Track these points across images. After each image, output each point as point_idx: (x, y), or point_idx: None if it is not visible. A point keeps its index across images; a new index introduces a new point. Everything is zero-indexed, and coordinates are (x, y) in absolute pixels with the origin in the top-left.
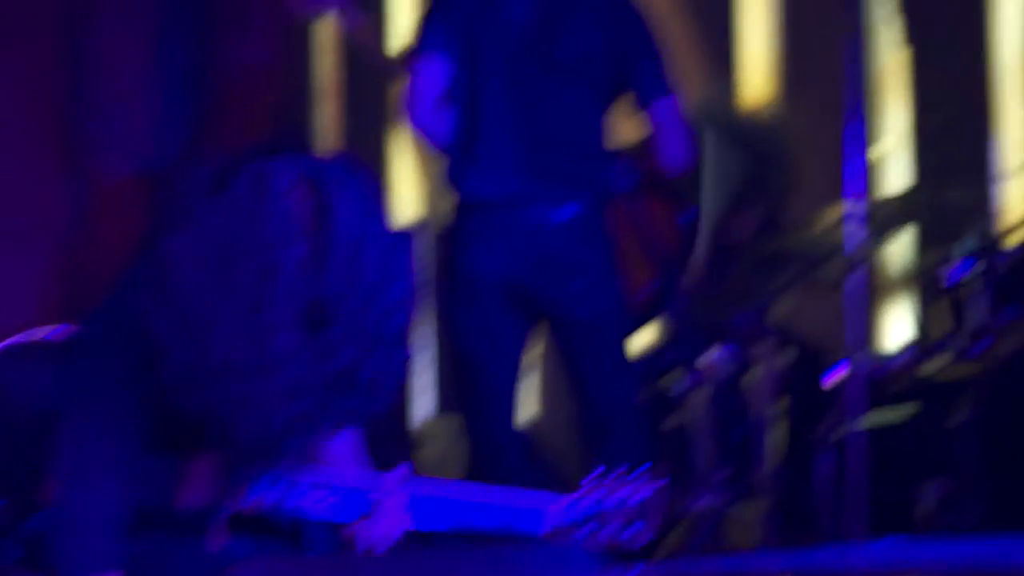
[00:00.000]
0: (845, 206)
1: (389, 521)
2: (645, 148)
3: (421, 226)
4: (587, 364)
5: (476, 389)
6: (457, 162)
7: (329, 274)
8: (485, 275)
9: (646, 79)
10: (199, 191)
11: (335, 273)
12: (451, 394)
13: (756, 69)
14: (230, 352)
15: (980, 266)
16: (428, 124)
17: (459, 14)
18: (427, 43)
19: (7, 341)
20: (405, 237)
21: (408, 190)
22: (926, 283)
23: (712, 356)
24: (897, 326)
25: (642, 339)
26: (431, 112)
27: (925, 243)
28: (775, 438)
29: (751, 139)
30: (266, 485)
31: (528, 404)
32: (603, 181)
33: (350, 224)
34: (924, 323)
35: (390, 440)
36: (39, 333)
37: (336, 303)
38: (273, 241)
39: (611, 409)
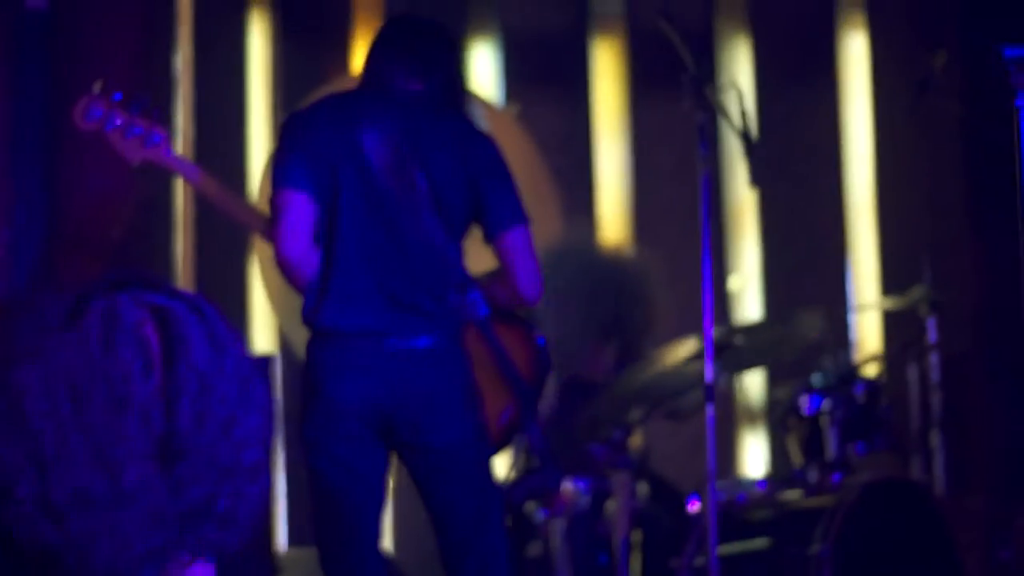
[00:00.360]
0: (700, 339)
1: None
2: (495, 277)
3: (275, 357)
4: (446, 492)
5: (336, 519)
6: (314, 294)
7: (180, 408)
8: (344, 402)
9: (497, 209)
10: (49, 323)
11: (186, 407)
12: (303, 526)
13: (612, 204)
14: (81, 484)
15: (833, 398)
16: (302, 259)
17: (316, 148)
18: (288, 178)
19: None
20: (259, 369)
21: (262, 321)
22: (780, 414)
23: (570, 485)
24: (753, 456)
25: (501, 466)
26: (306, 247)
27: (778, 375)
28: (634, 567)
29: (609, 276)
30: None
31: (386, 535)
32: (459, 311)
33: (200, 358)
34: (779, 454)
35: (254, 570)
36: None
37: (188, 436)
38: (123, 376)
39: (470, 537)
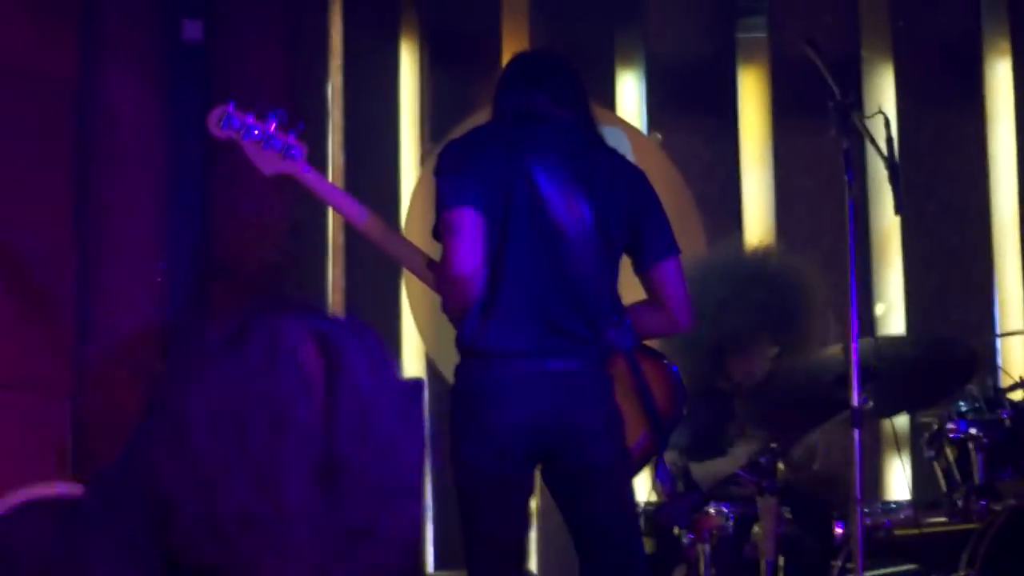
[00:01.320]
0: (847, 362)
1: None
2: (642, 307)
3: (423, 381)
4: (590, 512)
5: (487, 540)
6: (475, 315)
7: (341, 429)
8: (503, 423)
9: (653, 241)
10: (211, 347)
11: (347, 429)
12: (450, 550)
13: (757, 231)
14: (244, 505)
15: (980, 423)
16: (476, 276)
17: (486, 172)
18: (462, 197)
19: (15, 499)
20: (414, 392)
21: (411, 345)
22: (926, 439)
23: (715, 509)
24: (898, 481)
25: (645, 490)
26: (481, 264)
27: (925, 399)
28: None
29: (769, 279)
30: None
31: (532, 557)
32: (610, 339)
33: (360, 381)
34: (924, 479)
35: None
36: (49, 490)
37: (349, 457)
38: (284, 397)
39: (612, 558)
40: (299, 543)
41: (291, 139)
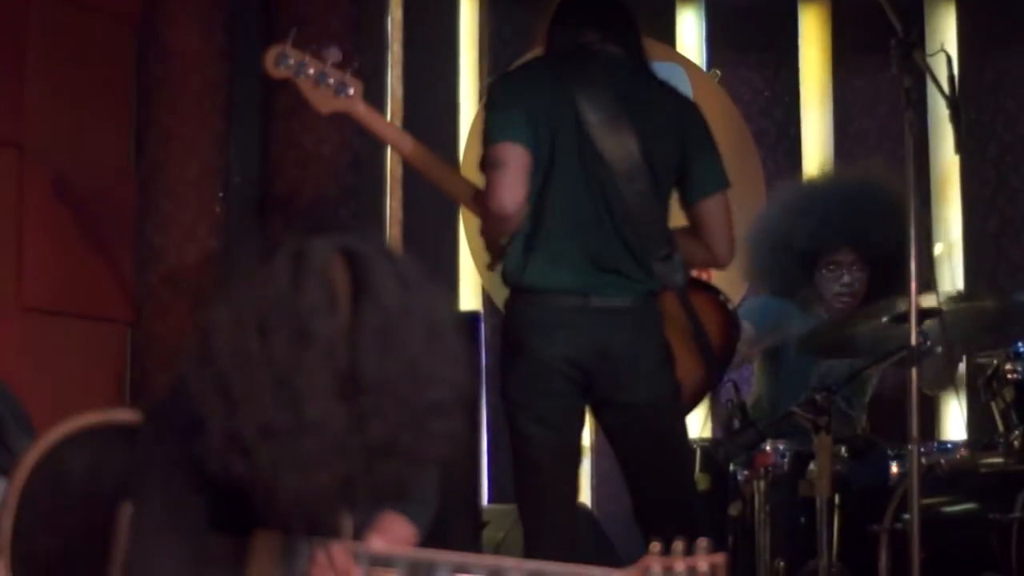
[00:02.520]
0: (907, 302)
1: None
2: (680, 238)
3: (480, 314)
4: (640, 448)
5: (537, 474)
6: (519, 251)
7: (364, 344)
8: (548, 359)
9: (702, 175)
10: (243, 263)
11: (370, 344)
12: (504, 485)
13: (816, 169)
14: (266, 416)
15: None
16: (519, 211)
17: (535, 107)
18: (509, 132)
19: (75, 424)
20: (465, 324)
21: (470, 280)
22: (984, 380)
23: (771, 447)
24: (956, 421)
25: (700, 426)
26: (524, 200)
27: (985, 339)
28: (835, 529)
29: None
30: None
31: (587, 493)
32: (660, 274)
33: (387, 298)
34: (981, 419)
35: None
36: (113, 414)
37: (372, 372)
38: (308, 311)
39: (664, 493)
40: (322, 456)
41: (346, 77)
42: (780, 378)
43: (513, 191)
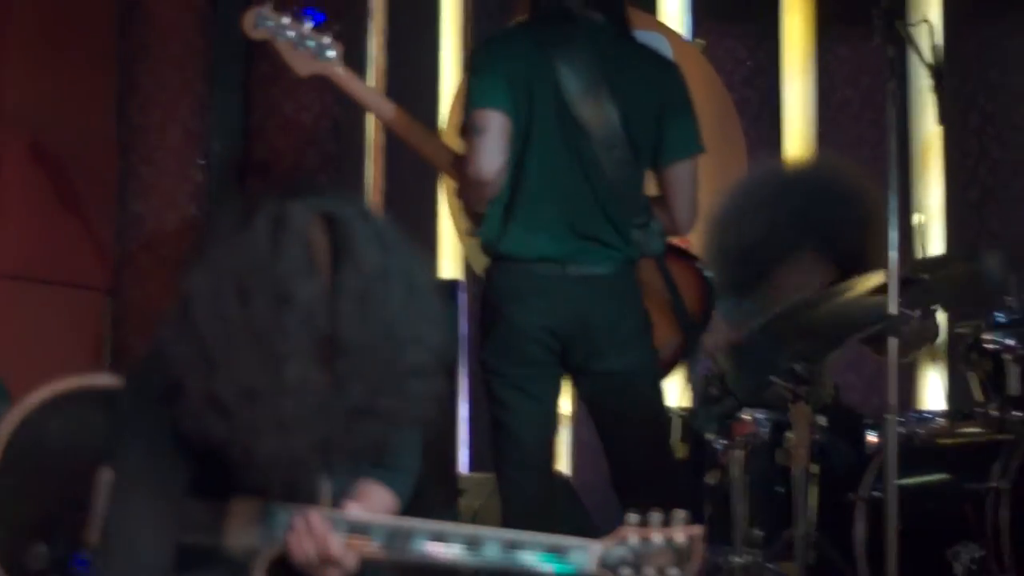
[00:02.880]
0: (885, 273)
1: None
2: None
3: (460, 282)
4: (618, 416)
5: (514, 442)
6: (497, 218)
7: (343, 307)
8: (525, 327)
9: (675, 139)
10: (222, 228)
11: (349, 306)
12: (484, 453)
13: (798, 138)
14: (245, 378)
15: (1017, 335)
16: (497, 179)
17: (514, 73)
18: (488, 97)
19: (60, 386)
20: (444, 290)
21: (450, 248)
22: (963, 350)
23: (750, 416)
24: (933, 390)
25: (678, 395)
26: (502, 167)
27: (962, 309)
28: (812, 498)
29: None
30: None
31: (565, 461)
32: (638, 242)
33: (367, 261)
34: (960, 389)
35: (438, 491)
36: (92, 379)
37: (351, 335)
38: (288, 274)
39: (641, 461)
40: (300, 418)
41: (326, 40)
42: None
43: (492, 157)
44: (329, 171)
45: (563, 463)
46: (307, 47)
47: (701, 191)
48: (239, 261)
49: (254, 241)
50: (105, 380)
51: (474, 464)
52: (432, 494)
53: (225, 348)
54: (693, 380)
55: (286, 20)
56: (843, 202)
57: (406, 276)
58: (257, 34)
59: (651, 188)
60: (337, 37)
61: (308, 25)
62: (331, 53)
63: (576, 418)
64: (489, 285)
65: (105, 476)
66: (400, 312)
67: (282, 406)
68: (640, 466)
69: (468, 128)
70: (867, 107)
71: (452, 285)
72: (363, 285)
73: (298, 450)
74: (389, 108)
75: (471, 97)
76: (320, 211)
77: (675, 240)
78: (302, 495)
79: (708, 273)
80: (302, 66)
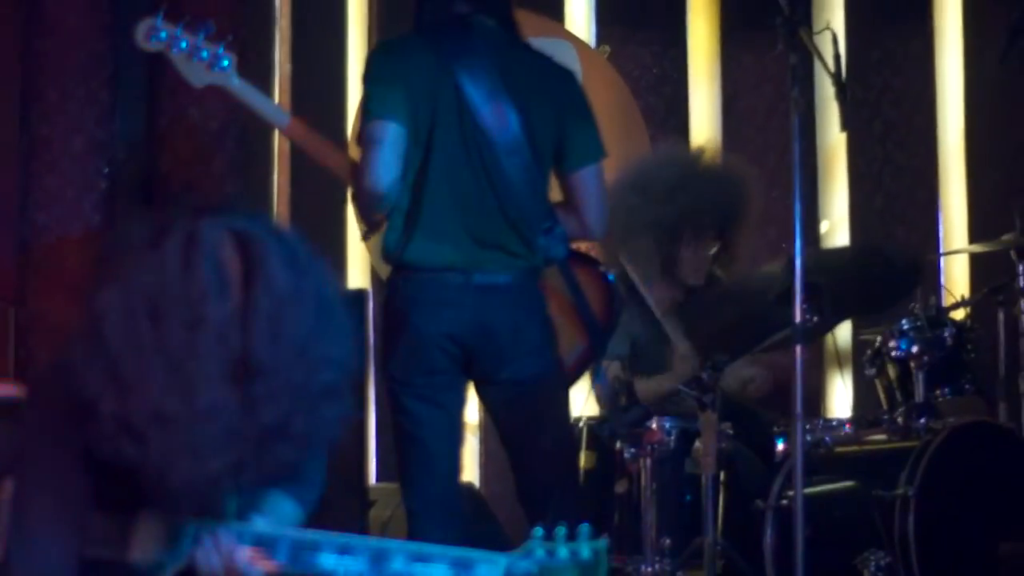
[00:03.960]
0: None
1: None
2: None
3: (367, 292)
4: (523, 425)
5: (419, 452)
6: (399, 227)
7: (256, 329)
8: (429, 336)
9: (577, 145)
10: (132, 246)
11: (262, 328)
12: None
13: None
14: (158, 402)
15: (921, 342)
16: (392, 191)
17: (413, 81)
18: (385, 108)
19: None
20: (352, 302)
21: (357, 257)
22: (868, 357)
23: (657, 424)
24: (840, 398)
25: (585, 403)
26: (397, 179)
27: (867, 318)
28: (720, 506)
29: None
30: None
31: (474, 471)
32: (542, 249)
33: (278, 281)
34: (866, 396)
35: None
36: None
37: (264, 357)
38: (200, 296)
39: (547, 470)
40: (212, 441)
41: (220, 50)
42: None
43: (386, 169)
44: (236, 179)
45: (472, 473)
46: (202, 58)
47: (610, 194)
48: (151, 281)
49: (165, 260)
50: (8, 390)
51: (382, 474)
52: (341, 504)
53: (138, 371)
54: (600, 388)
55: (179, 31)
56: (738, 189)
57: (317, 296)
58: (150, 47)
59: (554, 194)
60: (242, 45)
61: (202, 35)
62: (226, 63)
63: (485, 428)
64: (393, 294)
65: (7, 487)
66: (312, 333)
67: (195, 430)
68: (546, 477)
69: (363, 139)
70: (773, 114)
71: (359, 295)
72: (275, 306)
73: (210, 473)
74: (286, 119)
75: (367, 107)
76: (231, 230)
77: (577, 245)
78: (211, 512)
79: (611, 276)
80: (197, 77)
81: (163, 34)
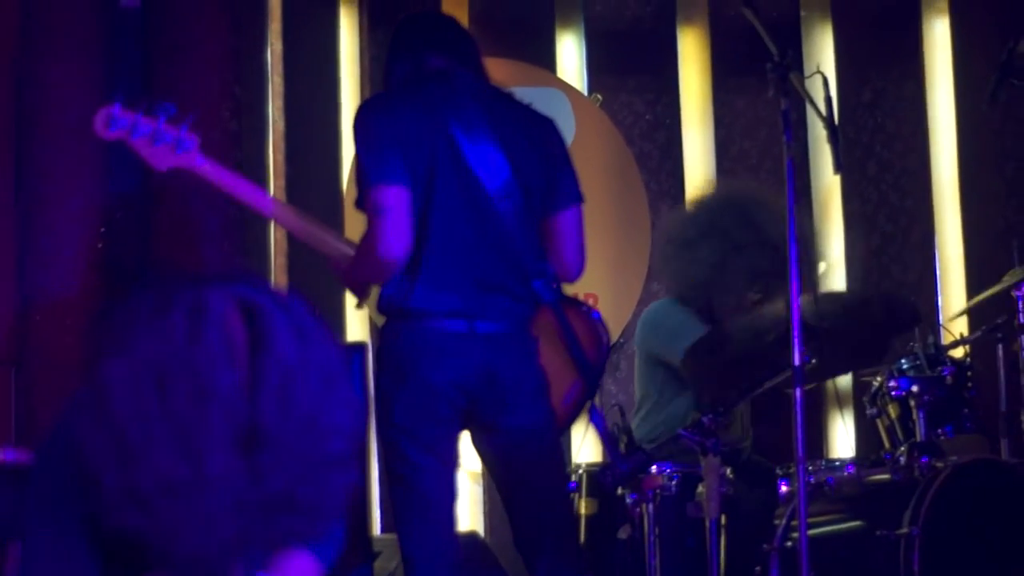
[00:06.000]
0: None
1: None
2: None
3: (367, 345)
4: (521, 473)
5: (422, 501)
6: (400, 279)
7: (264, 399)
8: (433, 384)
9: (559, 189)
10: (138, 316)
11: (270, 398)
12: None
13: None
14: (165, 472)
15: (921, 381)
16: (405, 256)
17: (409, 138)
18: (387, 173)
19: None
20: (352, 357)
21: (355, 310)
22: (869, 397)
23: (658, 469)
24: (841, 439)
25: (590, 452)
26: (410, 244)
27: (868, 357)
28: (723, 548)
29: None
30: None
31: (479, 520)
32: (536, 294)
33: (285, 351)
34: (867, 436)
35: (352, 554)
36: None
37: (271, 427)
38: (208, 366)
39: (545, 517)
40: (220, 512)
41: (183, 132)
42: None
43: (397, 237)
44: (233, 236)
45: (476, 522)
46: (165, 141)
47: (606, 241)
48: (157, 351)
49: (172, 330)
50: (12, 455)
51: (386, 525)
52: (346, 556)
53: (145, 441)
54: (594, 419)
55: (138, 117)
56: (765, 225)
57: (323, 364)
58: (110, 135)
59: None
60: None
61: (162, 118)
62: (189, 145)
63: (488, 476)
64: (396, 342)
65: (15, 551)
66: (318, 402)
67: (202, 500)
68: (545, 522)
69: (368, 208)
70: (766, 157)
71: (359, 348)
72: (282, 376)
73: (217, 544)
74: (266, 199)
75: (367, 174)
76: (237, 299)
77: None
78: None
79: (597, 314)
80: (160, 161)
81: (123, 121)
